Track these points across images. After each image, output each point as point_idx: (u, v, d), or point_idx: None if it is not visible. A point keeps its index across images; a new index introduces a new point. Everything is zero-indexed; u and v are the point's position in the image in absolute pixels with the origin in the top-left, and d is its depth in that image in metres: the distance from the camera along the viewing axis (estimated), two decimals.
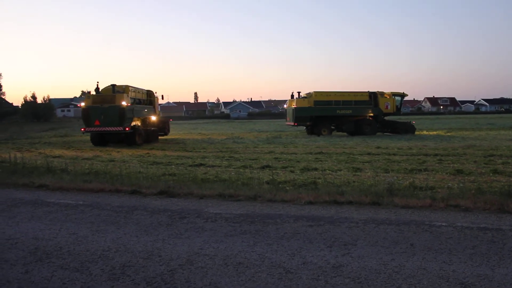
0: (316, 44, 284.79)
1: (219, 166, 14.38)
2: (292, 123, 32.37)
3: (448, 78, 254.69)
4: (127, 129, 24.54)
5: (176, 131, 37.13)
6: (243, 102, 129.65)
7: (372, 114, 32.57)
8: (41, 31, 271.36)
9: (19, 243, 5.97)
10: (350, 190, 8.82)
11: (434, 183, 9.99)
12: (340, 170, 12.85)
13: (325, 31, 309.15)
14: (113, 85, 25.31)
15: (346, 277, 4.56)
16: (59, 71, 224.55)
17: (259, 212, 7.52)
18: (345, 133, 32.49)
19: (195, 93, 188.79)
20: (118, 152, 21.38)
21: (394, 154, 17.18)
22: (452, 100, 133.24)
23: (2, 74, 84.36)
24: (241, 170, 13.14)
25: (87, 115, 24.79)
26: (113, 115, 24.33)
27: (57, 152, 21.87)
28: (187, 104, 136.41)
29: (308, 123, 32.31)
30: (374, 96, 32.76)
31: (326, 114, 31.89)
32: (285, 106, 35.94)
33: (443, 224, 6.46)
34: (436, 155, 16.48)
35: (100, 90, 25.89)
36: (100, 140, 26.01)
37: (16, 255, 5.48)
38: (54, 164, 14.25)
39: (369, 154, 17.51)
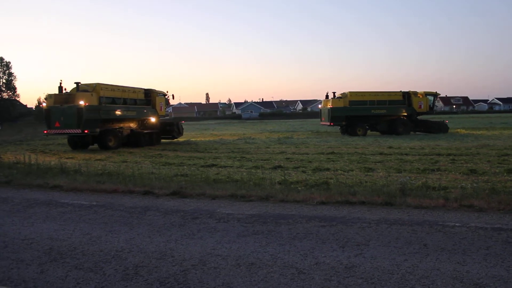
0: (327, 44, 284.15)
1: (231, 167, 14.41)
2: (328, 123, 32.75)
3: (461, 77, 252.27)
4: (86, 131, 22.07)
5: (187, 132, 37.19)
6: (255, 102, 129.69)
7: (405, 114, 32.83)
8: (57, 31, 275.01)
9: (34, 243, 6.05)
10: (362, 190, 8.79)
11: (447, 183, 9.90)
12: (352, 170, 12.80)
13: (337, 31, 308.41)
14: (77, 83, 22.89)
15: (359, 277, 4.54)
16: (73, 73, 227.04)
17: (271, 212, 7.53)
18: (378, 133, 32.85)
19: (207, 94, 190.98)
20: (131, 153, 21.54)
21: (406, 154, 17.06)
22: (465, 99, 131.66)
23: (16, 77, 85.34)
24: (253, 170, 13.15)
25: (48, 116, 22.70)
26: (71, 116, 22.12)
27: (70, 153, 22.11)
28: (198, 104, 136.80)
29: (343, 123, 32.61)
30: (407, 96, 33.08)
31: (361, 114, 32.25)
32: (319, 106, 36.81)
33: (457, 224, 6.41)
34: (449, 154, 16.33)
35: (66, 90, 23.46)
36: (77, 143, 24.19)
37: (32, 255, 5.56)
38: (67, 165, 14.40)
39: (381, 154, 17.41)
